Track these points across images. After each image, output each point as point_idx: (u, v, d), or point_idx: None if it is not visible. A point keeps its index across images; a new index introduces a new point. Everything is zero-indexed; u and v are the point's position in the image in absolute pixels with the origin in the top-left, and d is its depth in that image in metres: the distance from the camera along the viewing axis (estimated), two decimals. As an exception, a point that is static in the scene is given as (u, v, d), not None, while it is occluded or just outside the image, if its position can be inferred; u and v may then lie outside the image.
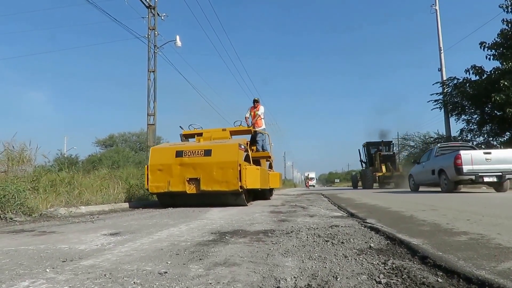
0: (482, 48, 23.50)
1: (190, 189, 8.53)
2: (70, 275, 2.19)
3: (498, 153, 13.95)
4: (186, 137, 11.59)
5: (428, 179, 16.66)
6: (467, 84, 25.58)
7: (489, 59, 23.46)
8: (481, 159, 13.55)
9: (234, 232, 3.97)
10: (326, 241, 3.22)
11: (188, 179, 8.54)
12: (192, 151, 8.73)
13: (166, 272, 2.21)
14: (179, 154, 8.77)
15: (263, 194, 12.75)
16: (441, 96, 28.48)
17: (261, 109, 13.18)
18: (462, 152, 13.71)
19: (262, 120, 13.22)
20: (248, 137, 12.35)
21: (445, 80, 28.23)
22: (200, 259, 2.57)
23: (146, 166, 9.06)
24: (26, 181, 7.45)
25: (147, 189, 8.96)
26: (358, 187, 32.95)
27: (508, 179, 13.50)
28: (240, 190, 8.34)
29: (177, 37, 21.28)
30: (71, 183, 9.00)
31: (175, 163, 8.69)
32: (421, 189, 18.50)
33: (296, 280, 2.01)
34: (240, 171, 8.29)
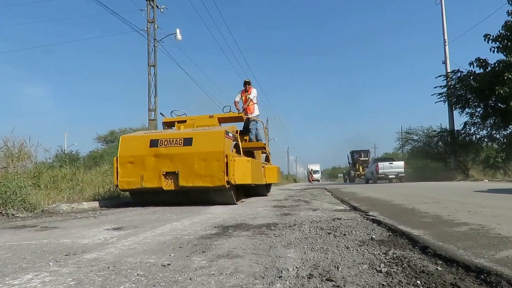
0: (486, 40, 23.36)
1: (167, 185, 7.31)
2: (73, 268, 2.21)
3: (396, 163, 28.26)
4: (167, 125, 10.12)
5: (370, 176, 31.03)
6: (471, 77, 25.45)
7: (493, 51, 23.33)
8: (387, 166, 27.73)
9: (237, 226, 3.99)
10: (328, 233, 3.24)
11: (164, 173, 7.30)
12: (169, 140, 7.46)
13: (170, 264, 2.23)
14: (153, 143, 7.51)
15: (257, 190, 11.22)
16: (445, 89, 28.39)
17: (253, 92, 11.49)
18: (379, 163, 28.53)
19: (255, 105, 11.59)
20: (240, 126, 11.10)
21: (449, 73, 28.14)
22: (203, 252, 2.59)
23: (114, 158, 7.78)
24: (27, 177, 7.47)
25: (116, 186, 7.70)
26: (345, 182, 47.79)
27: (401, 176, 27.32)
28: (226, 186, 7.08)
29: (177, 31, 21.18)
30: (72, 179, 8.99)
31: (149, 154, 7.43)
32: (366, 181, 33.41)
33: (298, 270, 2.02)
34: (226, 163, 7.04)
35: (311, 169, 79.10)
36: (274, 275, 1.93)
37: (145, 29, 20.42)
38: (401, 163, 28.34)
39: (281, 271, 2.01)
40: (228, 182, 7.06)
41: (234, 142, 8.17)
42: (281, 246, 2.72)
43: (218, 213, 5.60)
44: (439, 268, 1.96)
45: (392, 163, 28.15)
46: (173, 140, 7.45)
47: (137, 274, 2.02)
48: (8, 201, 6.02)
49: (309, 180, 71.69)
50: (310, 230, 3.51)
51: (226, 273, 1.99)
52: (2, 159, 7.96)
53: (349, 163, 52.74)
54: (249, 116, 11.14)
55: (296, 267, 2.08)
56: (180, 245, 2.86)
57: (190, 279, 1.91)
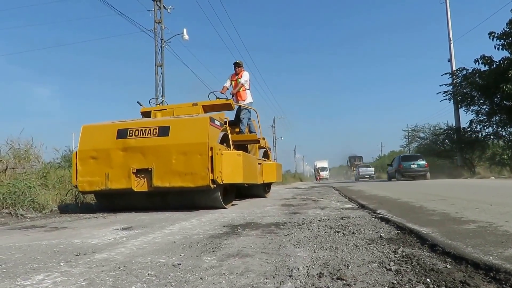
0: (491, 38, 23.32)
1: (139, 185, 6.04)
2: (84, 268, 2.23)
3: (370, 168, 50.48)
4: (145, 115, 8.38)
5: (356, 176, 49.54)
6: (476, 75, 25.43)
7: (498, 49, 23.30)
8: (365, 170, 49.71)
9: (246, 225, 4.00)
10: (337, 232, 3.24)
11: (135, 171, 6.02)
12: (141, 130, 6.14)
13: (180, 264, 2.24)
14: (122, 134, 6.20)
15: (253, 191, 9.85)
16: (451, 87, 28.38)
17: (245, 76, 9.78)
18: (360, 168, 51.78)
19: (247, 91, 9.90)
20: (231, 117, 9.55)
21: (454, 71, 28.12)
22: (213, 251, 2.60)
23: (74, 153, 6.46)
24: (36, 177, 7.49)
25: (76, 186, 6.39)
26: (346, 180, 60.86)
27: (372, 176, 46.86)
28: (211, 185, 5.80)
29: (184, 30, 21.25)
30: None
31: (116, 147, 6.14)
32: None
33: (308, 269, 2.03)
34: (211, 157, 5.79)
35: (318, 167, 75.72)
36: (284, 274, 1.94)
37: (152, 29, 20.49)
38: (372, 168, 51.46)
39: (292, 270, 2.02)
40: (213, 181, 5.81)
41: (222, 133, 6.80)
42: (291, 245, 2.73)
43: (227, 212, 5.62)
44: (448, 266, 1.96)
45: (367, 168, 50.54)
46: (145, 130, 6.15)
47: (148, 274, 2.03)
48: (17, 202, 6.06)
49: (317, 179, 68.14)
50: (319, 228, 3.52)
51: (237, 273, 2.00)
52: (10, 160, 8.01)
53: (347, 165, 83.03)
54: (240, 104, 9.58)
55: (306, 266, 2.09)
56: (190, 245, 2.88)
57: (201, 278, 1.92)
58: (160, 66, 20.29)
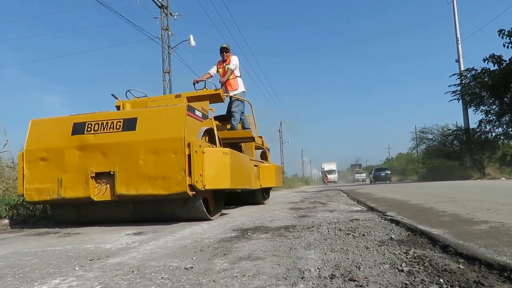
0: (500, 35, 23.12)
1: (99, 193, 4.89)
2: (99, 272, 2.26)
3: (363, 174, 73.06)
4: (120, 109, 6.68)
5: (353, 180, 74.51)
6: (486, 74, 25.23)
7: (508, 47, 23.10)
8: (359, 174, 72.89)
9: (255, 229, 4.02)
10: (347, 234, 3.25)
11: (94, 175, 4.86)
12: (102, 124, 4.98)
13: (192, 267, 2.26)
14: (78, 128, 5.03)
15: (249, 196, 8.51)
16: (459, 87, 28.21)
17: (233, 60, 8.10)
18: (355, 174, 76.84)
19: (238, 79, 8.21)
20: (221, 110, 8.17)
21: (463, 71, 27.95)
22: (224, 254, 2.62)
23: (20, 153, 5.28)
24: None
25: (22, 195, 5.24)
26: (347, 183, 70.18)
27: (364, 180, 65.61)
28: (190, 193, 4.60)
29: (191, 37, 21.32)
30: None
31: (70, 145, 4.97)
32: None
33: (320, 270, 2.04)
34: (189, 156, 4.61)
35: (326, 169, 74.79)
36: (296, 276, 1.95)
37: (159, 36, 20.60)
38: (364, 174, 67.92)
39: (303, 272, 2.03)
40: (192, 187, 4.62)
41: (206, 127, 5.62)
42: (301, 248, 2.74)
43: (236, 216, 5.64)
44: (461, 267, 1.96)
45: (360, 174, 69.67)
46: (107, 124, 4.98)
47: (162, 277, 2.06)
48: (30, 208, 6.11)
49: (324, 182, 66.63)
50: (328, 231, 3.52)
51: (249, 275, 2.02)
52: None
53: (350, 170, 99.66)
54: (231, 94, 8.02)
55: (318, 268, 2.10)
56: (201, 249, 2.90)
57: (213, 281, 1.94)
58: (167, 72, 20.38)
